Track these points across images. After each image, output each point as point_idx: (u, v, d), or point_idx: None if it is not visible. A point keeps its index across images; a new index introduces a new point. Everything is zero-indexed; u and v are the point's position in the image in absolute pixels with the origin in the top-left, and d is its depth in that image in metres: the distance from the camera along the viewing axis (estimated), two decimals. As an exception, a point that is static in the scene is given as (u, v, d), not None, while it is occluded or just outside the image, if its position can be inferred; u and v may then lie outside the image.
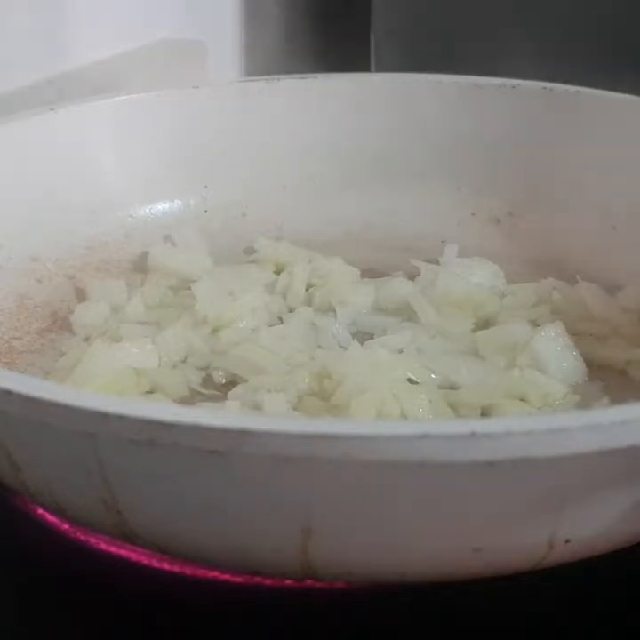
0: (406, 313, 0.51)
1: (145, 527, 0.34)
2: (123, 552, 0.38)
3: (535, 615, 0.37)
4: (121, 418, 0.29)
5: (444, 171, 0.61)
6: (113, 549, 0.38)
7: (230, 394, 0.45)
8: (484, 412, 0.43)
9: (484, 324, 0.51)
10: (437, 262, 0.56)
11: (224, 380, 0.48)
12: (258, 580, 0.37)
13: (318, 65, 0.65)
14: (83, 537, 0.39)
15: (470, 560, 0.33)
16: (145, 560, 0.38)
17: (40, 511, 0.40)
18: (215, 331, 0.50)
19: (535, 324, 0.49)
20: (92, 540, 0.39)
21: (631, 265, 0.54)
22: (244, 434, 0.28)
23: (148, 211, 0.59)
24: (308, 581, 0.36)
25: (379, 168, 0.61)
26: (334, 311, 0.52)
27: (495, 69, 0.61)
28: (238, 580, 0.37)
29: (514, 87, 0.59)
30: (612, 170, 0.56)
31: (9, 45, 0.63)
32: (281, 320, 0.51)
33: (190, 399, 0.46)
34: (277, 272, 0.55)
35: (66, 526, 0.39)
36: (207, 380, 0.48)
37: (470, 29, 0.77)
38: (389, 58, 0.79)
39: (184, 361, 0.49)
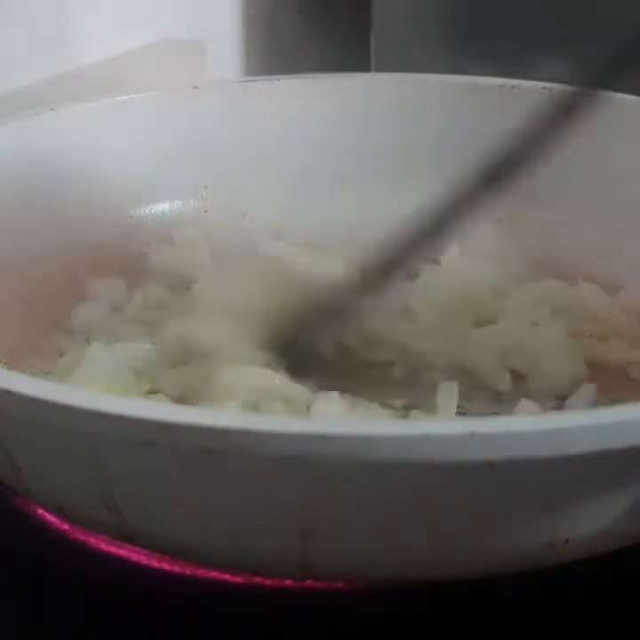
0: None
1: (145, 527, 0.34)
2: (123, 552, 0.38)
3: (535, 615, 0.37)
4: (121, 418, 0.29)
5: (445, 171, 0.60)
6: (113, 549, 0.38)
7: None
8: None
9: (484, 324, 0.51)
10: (438, 262, 0.57)
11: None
12: (258, 580, 0.37)
13: (318, 65, 0.65)
14: (83, 537, 0.39)
15: (470, 560, 0.33)
16: (145, 560, 0.38)
17: (40, 511, 0.40)
18: None
19: (535, 324, 0.49)
20: (92, 540, 0.39)
21: (631, 265, 0.54)
22: (244, 434, 0.28)
23: (147, 211, 0.59)
24: (308, 581, 0.36)
25: (378, 168, 0.61)
26: None
27: (495, 69, 0.61)
28: (238, 579, 0.37)
29: (514, 87, 0.59)
30: (612, 170, 0.56)
31: (9, 45, 0.63)
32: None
33: (190, 399, 0.46)
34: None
35: (66, 526, 0.39)
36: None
37: (470, 29, 0.77)
38: (389, 58, 0.79)
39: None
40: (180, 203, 0.60)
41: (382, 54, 0.81)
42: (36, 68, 0.65)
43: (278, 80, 0.61)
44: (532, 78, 0.60)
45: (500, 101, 0.59)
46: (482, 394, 0.45)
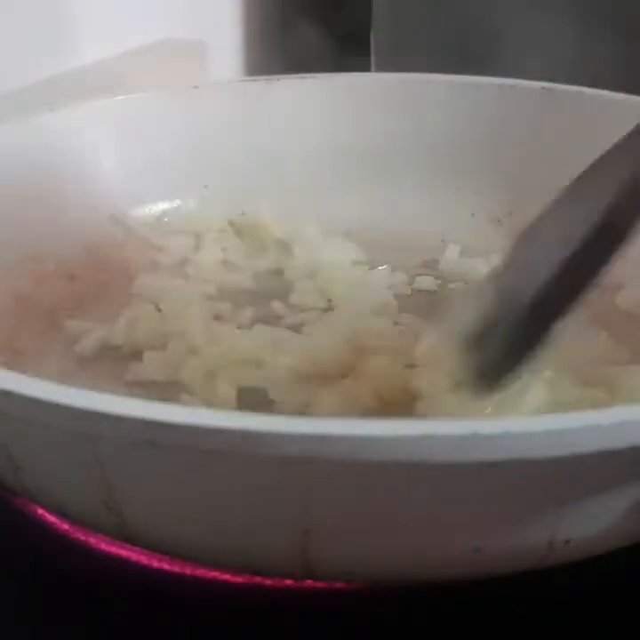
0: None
1: (145, 528, 0.34)
2: (123, 552, 0.38)
3: (535, 615, 0.37)
4: (121, 419, 0.29)
5: (444, 171, 0.61)
6: (113, 549, 0.38)
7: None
8: None
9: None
10: (437, 262, 0.57)
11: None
12: (258, 580, 0.37)
13: (318, 65, 0.65)
14: (83, 537, 0.39)
15: (470, 560, 0.33)
16: (145, 560, 0.38)
17: (40, 511, 0.40)
18: None
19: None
20: (92, 540, 0.39)
21: (631, 265, 0.54)
22: (244, 434, 0.28)
23: (147, 211, 0.59)
24: (308, 581, 0.36)
25: (378, 168, 0.61)
26: None
27: (495, 69, 0.61)
28: (238, 579, 0.37)
29: (513, 87, 0.59)
30: (611, 170, 0.56)
31: (9, 45, 0.63)
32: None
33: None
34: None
35: (66, 526, 0.39)
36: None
37: (470, 29, 0.77)
38: (389, 58, 0.79)
39: None
40: (179, 203, 0.60)
41: (382, 54, 0.81)
42: (36, 68, 0.65)
43: (278, 80, 0.61)
44: (532, 78, 0.60)
45: (500, 101, 0.59)
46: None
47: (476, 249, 0.57)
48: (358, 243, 0.58)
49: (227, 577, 0.37)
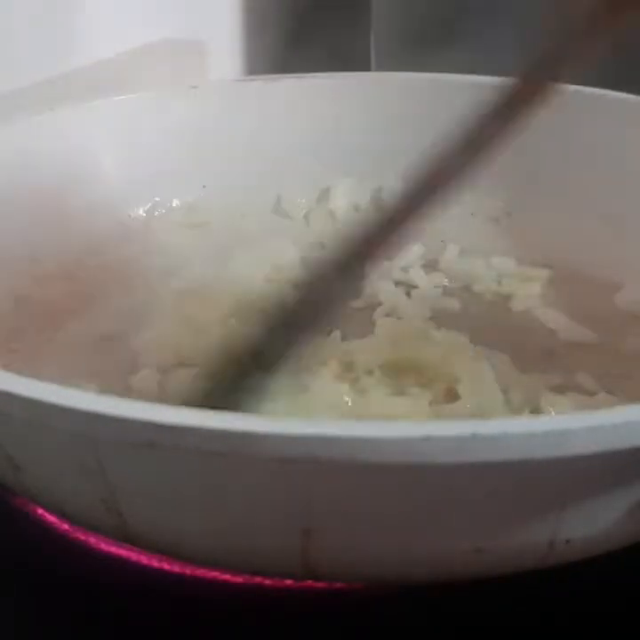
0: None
1: (145, 528, 0.34)
2: (123, 552, 0.38)
3: (535, 615, 0.37)
4: (121, 420, 0.29)
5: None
6: (113, 549, 0.38)
7: None
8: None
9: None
10: (437, 262, 0.57)
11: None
12: (258, 580, 0.37)
13: (318, 65, 0.65)
14: (83, 537, 0.39)
15: (471, 560, 0.33)
16: (145, 560, 0.38)
17: (40, 511, 0.40)
18: None
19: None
20: (92, 540, 0.39)
21: (631, 265, 0.54)
22: (245, 436, 0.28)
23: (147, 210, 0.59)
24: (308, 581, 0.36)
25: (378, 167, 0.61)
26: None
27: (495, 69, 0.61)
28: (238, 579, 0.37)
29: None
30: (611, 169, 0.56)
31: (9, 45, 0.63)
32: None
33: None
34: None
35: (66, 526, 0.39)
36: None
37: (470, 29, 0.77)
38: (389, 58, 0.79)
39: None
40: (179, 202, 0.60)
41: (382, 54, 0.81)
42: (36, 68, 0.65)
43: (278, 80, 0.61)
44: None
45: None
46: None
47: (475, 249, 0.57)
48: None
49: (227, 577, 0.37)
